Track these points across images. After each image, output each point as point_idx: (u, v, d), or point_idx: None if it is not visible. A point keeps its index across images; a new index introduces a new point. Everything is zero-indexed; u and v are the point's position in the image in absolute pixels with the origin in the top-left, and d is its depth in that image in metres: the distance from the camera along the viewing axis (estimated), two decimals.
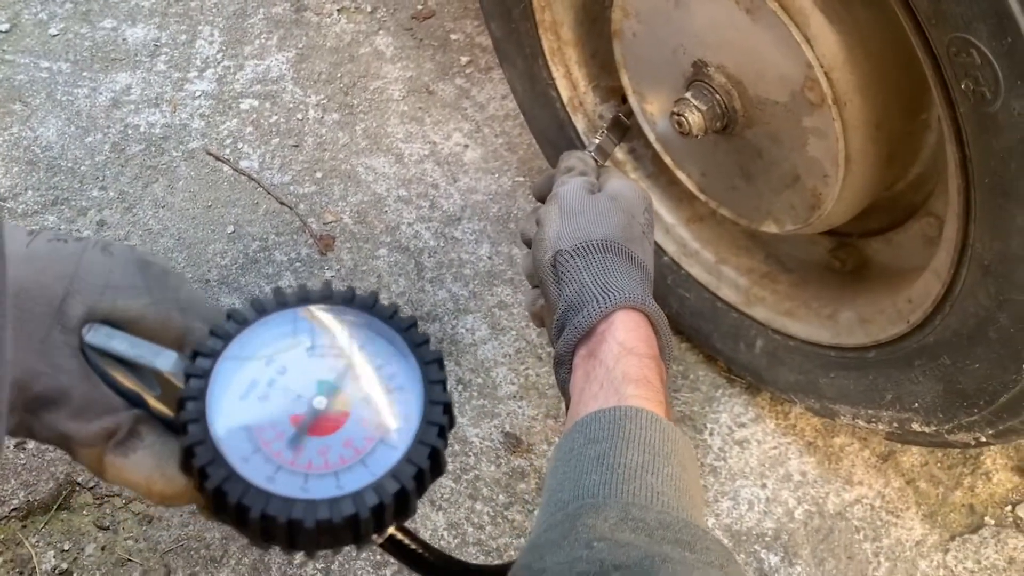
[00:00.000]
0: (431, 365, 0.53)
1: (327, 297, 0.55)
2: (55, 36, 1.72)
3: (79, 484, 1.17)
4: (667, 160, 1.07)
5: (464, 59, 1.65)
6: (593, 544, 0.54)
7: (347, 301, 0.55)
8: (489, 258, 1.39)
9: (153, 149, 1.55)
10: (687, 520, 0.58)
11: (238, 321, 0.53)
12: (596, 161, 0.98)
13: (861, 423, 1.01)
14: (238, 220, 1.45)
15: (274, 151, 1.54)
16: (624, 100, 1.09)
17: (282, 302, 0.54)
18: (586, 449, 0.64)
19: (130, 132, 1.57)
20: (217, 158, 1.54)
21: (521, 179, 1.48)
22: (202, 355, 0.51)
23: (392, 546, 0.53)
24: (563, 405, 1.21)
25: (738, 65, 0.89)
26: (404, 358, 0.54)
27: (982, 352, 0.81)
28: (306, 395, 0.52)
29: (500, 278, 1.37)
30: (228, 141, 1.56)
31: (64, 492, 1.16)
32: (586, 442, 0.65)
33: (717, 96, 0.92)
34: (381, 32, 1.71)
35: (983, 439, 0.89)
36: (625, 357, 0.71)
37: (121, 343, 0.53)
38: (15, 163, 1.51)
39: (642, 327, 0.75)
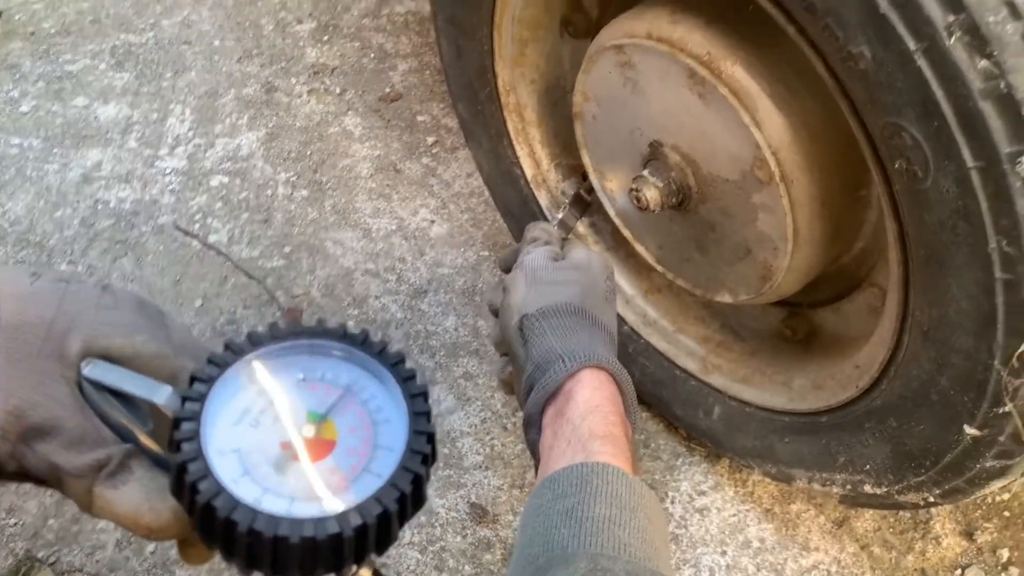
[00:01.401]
0: (417, 398, 0.56)
1: (320, 333, 0.58)
2: (26, 113, 1.75)
3: (39, 560, 1.15)
4: (626, 234, 1.12)
5: (430, 139, 1.70)
6: None
7: (339, 337, 0.58)
8: (455, 330, 1.42)
9: (123, 224, 1.57)
10: (654, 570, 0.60)
11: (235, 351, 0.55)
12: (560, 235, 1.03)
13: (816, 487, 1.05)
14: (206, 294, 1.47)
15: (243, 226, 1.57)
16: (585, 177, 1.14)
17: (277, 336, 0.57)
18: (555, 504, 0.66)
19: (100, 207, 1.59)
20: (186, 233, 1.56)
21: (486, 253, 1.52)
22: (199, 381, 0.54)
23: None
24: (530, 474, 1.23)
25: (692, 145, 0.95)
26: (391, 391, 0.56)
27: (926, 414, 0.85)
28: (296, 424, 0.54)
29: (466, 349, 1.40)
30: (198, 216, 1.59)
31: (23, 568, 1.14)
32: (554, 497, 0.67)
33: (672, 174, 0.97)
34: (350, 113, 1.76)
35: (931, 499, 0.93)
36: (591, 414, 0.74)
37: (118, 377, 0.55)
38: None
39: (607, 386, 0.77)
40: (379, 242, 1.54)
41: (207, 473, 0.51)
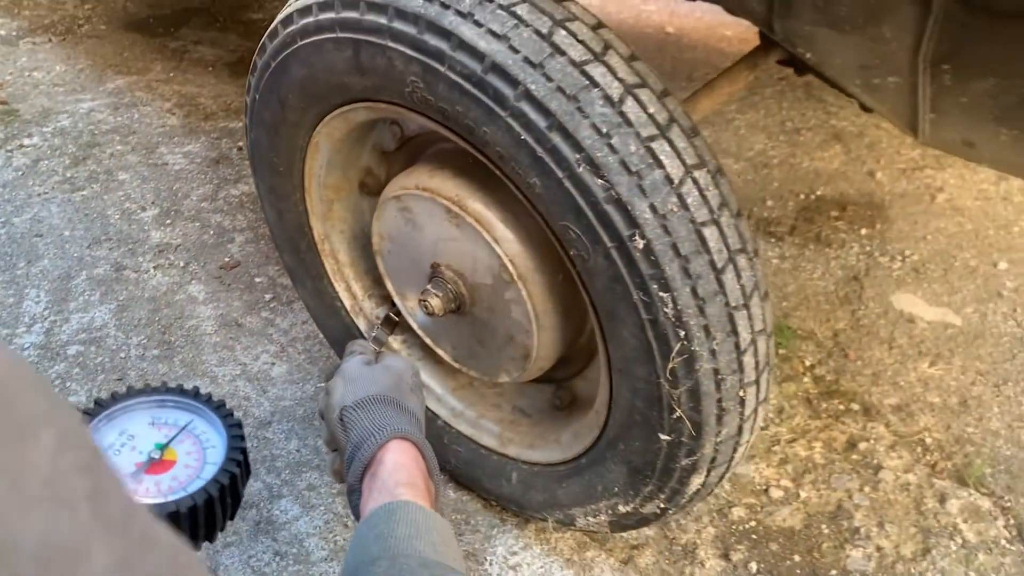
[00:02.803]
0: (233, 427, 0.92)
1: (165, 391, 0.93)
2: None
3: None
4: (427, 341, 1.51)
5: (268, 296, 2.08)
6: None
7: (178, 393, 0.93)
8: (298, 451, 1.74)
9: None
10: (443, 563, 0.91)
11: (102, 405, 0.90)
12: (375, 348, 1.40)
13: (591, 519, 1.41)
14: None
15: (100, 385, 1.87)
16: (393, 302, 1.53)
17: (132, 394, 0.92)
18: (367, 533, 0.98)
19: None
20: None
21: (322, 385, 1.86)
22: None
23: None
24: None
25: (459, 262, 1.36)
26: (215, 426, 0.92)
27: (636, 433, 1.25)
28: (146, 450, 0.89)
29: (308, 466, 1.72)
30: (57, 381, 1.87)
31: None
32: (367, 530, 0.99)
33: (449, 285, 1.38)
34: (194, 281, 2.12)
35: (663, 506, 1.31)
36: (397, 471, 1.08)
37: None
38: None
39: (410, 452, 1.12)
40: (225, 386, 1.87)
41: None
